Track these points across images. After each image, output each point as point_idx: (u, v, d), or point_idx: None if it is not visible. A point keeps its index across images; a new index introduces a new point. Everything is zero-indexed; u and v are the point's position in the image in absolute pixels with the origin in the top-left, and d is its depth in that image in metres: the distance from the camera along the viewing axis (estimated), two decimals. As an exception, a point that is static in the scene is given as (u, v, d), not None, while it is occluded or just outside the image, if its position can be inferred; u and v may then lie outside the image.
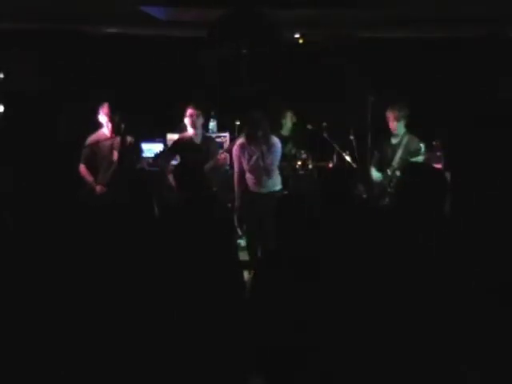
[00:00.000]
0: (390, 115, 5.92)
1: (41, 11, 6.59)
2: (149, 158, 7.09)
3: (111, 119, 6.24)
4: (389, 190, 5.86)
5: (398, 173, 5.75)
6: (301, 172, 7.19)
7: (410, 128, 5.98)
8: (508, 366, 2.76)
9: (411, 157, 5.76)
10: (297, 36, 7.53)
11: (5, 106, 7.37)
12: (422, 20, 6.83)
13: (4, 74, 7.40)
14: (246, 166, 5.88)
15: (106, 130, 6.30)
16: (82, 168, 6.26)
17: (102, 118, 6.28)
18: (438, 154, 6.03)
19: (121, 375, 2.94)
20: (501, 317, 2.84)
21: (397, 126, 5.91)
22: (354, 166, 7.08)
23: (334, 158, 7.26)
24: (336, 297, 2.86)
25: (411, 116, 6.06)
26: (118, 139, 6.24)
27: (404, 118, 5.91)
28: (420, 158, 5.69)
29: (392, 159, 5.91)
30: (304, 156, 7.29)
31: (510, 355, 2.77)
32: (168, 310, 3.05)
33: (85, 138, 6.32)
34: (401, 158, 5.85)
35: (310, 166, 7.28)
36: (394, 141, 5.96)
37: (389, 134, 6.02)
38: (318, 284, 2.89)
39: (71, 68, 7.82)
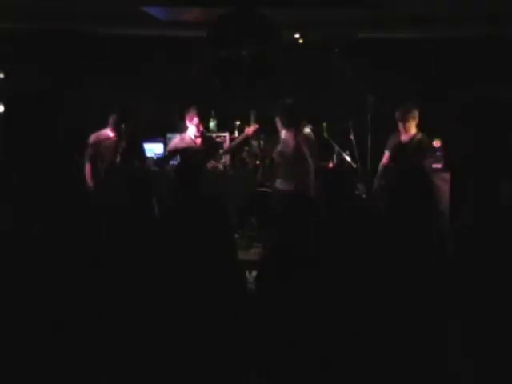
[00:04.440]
0: (401, 116, 5.93)
1: (41, 11, 6.59)
2: (151, 157, 7.14)
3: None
4: None
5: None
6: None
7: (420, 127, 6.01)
8: (502, 353, 2.77)
9: (422, 156, 5.79)
10: (297, 36, 7.52)
11: (5, 106, 7.38)
12: (423, 20, 6.82)
13: (4, 74, 7.40)
14: None
15: (108, 130, 6.28)
16: (88, 168, 6.23)
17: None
18: (438, 153, 6.05)
19: (121, 374, 2.94)
20: (495, 308, 2.85)
21: (408, 127, 5.93)
22: (354, 166, 7.09)
23: (334, 157, 7.26)
24: (338, 295, 2.87)
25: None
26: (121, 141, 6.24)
27: (414, 119, 5.94)
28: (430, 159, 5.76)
29: (402, 159, 5.91)
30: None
31: (504, 342, 2.78)
32: (168, 310, 3.05)
33: (84, 137, 6.32)
34: (412, 158, 5.85)
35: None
36: (403, 140, 5.97)
37: (398, 133, 6.02)
38: (320, 282, 2.89)
39: (71, 68, 7.83)
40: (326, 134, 7.28)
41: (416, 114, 5.97)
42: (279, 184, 5.90)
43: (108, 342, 2.98)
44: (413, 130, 5.97)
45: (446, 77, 7.79)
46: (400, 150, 5.98)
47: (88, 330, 2.99)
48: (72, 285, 3.10)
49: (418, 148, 5.87)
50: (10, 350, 2.93)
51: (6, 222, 3.64)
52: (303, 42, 7.64)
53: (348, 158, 7.14)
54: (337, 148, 7.25)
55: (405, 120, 5.92)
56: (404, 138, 5.98)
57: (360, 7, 6.09)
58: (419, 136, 5.95)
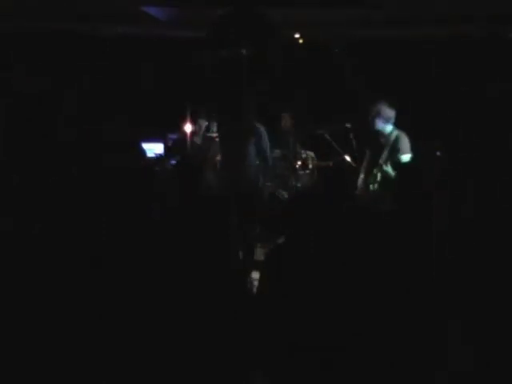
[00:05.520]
0: (377, 118, 5.76)
1: (41, 11, 6.59)
2: (151, 157, 7.13)
3: None
4: (371, 188, 5.74)
5: (384, 169, 5.61)
6: (301, 172, 7.20)
7: (399, 126, 5.85)
8: (502, 351, 2.78)
9: (398, 155, 5.65)
10: (297, 36, 7.53)
11: (5, 106, 7.37)
12: (422, 20, 6.83)
13: (4, 74, 7.40)
14: None
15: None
16: None
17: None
18: (438, 153, 5.99)
19: (121, 374, 2.94)
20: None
21: (382, 126, 5.78)
22: (354, 165, 7.10)
23: (334, 157, 7.27)
24: (339, 295, 2.86)
25: (411, 116, 6.02)
26: None
27: (389, 118, 5.76)
28: (406, 157, 5.61)
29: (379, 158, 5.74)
30: (304, 156, 7.32)
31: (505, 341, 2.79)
32: (169, 311, 3.05)
33: (84, 137, 6.31)
34: (387, 157, 5.71)
35: (310, 166, 7.30)
36: (381, 139, 5.85)
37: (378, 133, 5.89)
38: (320, 282, 2.89)
39: (71, 68, 7.83)
40: (326, 134, 7.29)
41: (382, 111, 5.78)
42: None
43: (108, 342, 2.98)
44: (389, 128, 5.74)
45: (447, 77, 7.79)
46: (376, 150, 5.82)
47: (88, 330, 2.99)
48: (71, 285, 3.10)
49: (394, 147, 5.72)
50: (11, 350, 2.93)
51: (5, 222, 3.63)
52: (303, 41, 7.65)
53: (348, 158, 7.16)
54: (337, 148, 7.27)
55: (372, 121, 5.77)
56: (381, 138, 5.85)
57: (360, 7, 6.09)
58: (394, 135, 5.78)
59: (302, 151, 7.32)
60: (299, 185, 7.12)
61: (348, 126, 7.14)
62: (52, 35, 7.65)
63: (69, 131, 7.33)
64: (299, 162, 7.21)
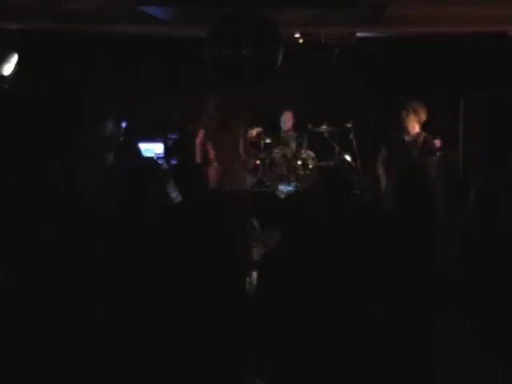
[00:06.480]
0: (411, 117, 5.68)
1: (40, 11, 6.58)
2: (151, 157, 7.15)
3: None
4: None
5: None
6: (301, 172, 7.20)
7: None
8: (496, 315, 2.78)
9: (427, 156, 5.59)
10: (297, 36, 7.53)
11: (4, 106, 7.37)
12: (423, 20, 6.82)
13: (4, 74, 7.40)
14: None
15: None
16: None
17: None
18: (438, 153, 5.97)
19: (122, 374, 2.94)
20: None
21: (414, 127, 5.70)
22: (354, 165, 7.11)
23: (334, 157, 7.28)
24: (338, 295, 2.86)
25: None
26: None
27: (422, 119, 5.70)
28: (434, 159, 5.59)
29: (406, 158, 5.60)
30: (304, 156, 7.32)
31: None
32: (168, 309, 3.05)
33: (82, 137, 6.33)
34: (418, 158, 5.62)
35: (311, 166, 7.31)
36: (407, 139, 5.75)
37: (399, 131, 5.84)
38: (320, 282, 2.89)
39: (71, 68, 7.82)
40: (326, 134, 7.30)
41: (418, 111, 5.66)
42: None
43: (109, 339, 2.98)
44: (415, 129, 5.77)
45: (447, 76, 7.79)
46: (400, 149, 5.75)
47: (88, 329, 2.99)
48: (69, 284, 3.10)
49: (422, 148, 5.65)
50: (11, 349, 2.93)
51: (3, 222, 3.64)
52: (303, 41, 7.64)
53: (348, 158, 7.17)
54: (337, 148, 7.27)
55: (405, 118, 5.70)
56: (406, 137, 5.76)
57: (360, 7, 6.08)
58: (423, 136, 5.72)
59: (302, 151, 7.32)
60: (299, 185, 7.12)
61: (348, 125, 7.15)
62: (52, 35, 7.64)
63: (68, 131, 7.35)
64: (299, 162, 7.21)
